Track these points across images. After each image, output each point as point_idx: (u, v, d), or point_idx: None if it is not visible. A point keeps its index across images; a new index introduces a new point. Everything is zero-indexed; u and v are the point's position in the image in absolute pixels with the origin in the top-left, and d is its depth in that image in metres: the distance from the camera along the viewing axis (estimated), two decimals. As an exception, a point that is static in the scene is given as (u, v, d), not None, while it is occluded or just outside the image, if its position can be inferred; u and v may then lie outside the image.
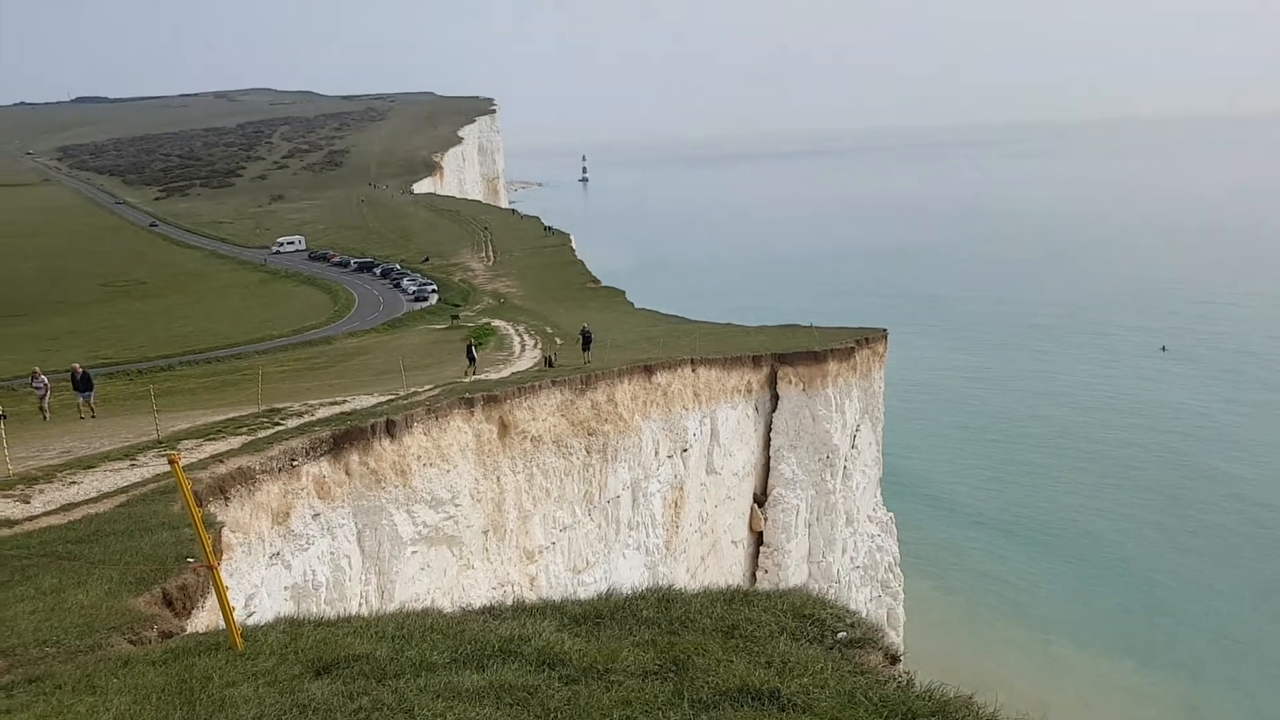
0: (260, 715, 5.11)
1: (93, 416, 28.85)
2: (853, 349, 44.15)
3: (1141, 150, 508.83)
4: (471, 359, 37.23)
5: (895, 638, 44.39)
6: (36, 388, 30.12)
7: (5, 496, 14.85)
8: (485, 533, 27.37)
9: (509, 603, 6.81)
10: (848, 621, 5.79)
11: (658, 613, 6.03)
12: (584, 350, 37.70)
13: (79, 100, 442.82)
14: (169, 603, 8.97)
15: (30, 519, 13.38)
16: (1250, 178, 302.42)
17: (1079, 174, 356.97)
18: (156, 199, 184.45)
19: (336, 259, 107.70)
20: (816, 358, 42.37)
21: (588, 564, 31.28)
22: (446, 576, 25.85)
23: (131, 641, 7.34)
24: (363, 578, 22.60)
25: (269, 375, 41.72)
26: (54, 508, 14.14)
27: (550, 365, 36.98)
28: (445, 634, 6.05)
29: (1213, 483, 66.80)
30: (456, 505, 25.68)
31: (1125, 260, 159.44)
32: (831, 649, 5.44)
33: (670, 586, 6.69)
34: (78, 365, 30.78)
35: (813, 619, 5.75)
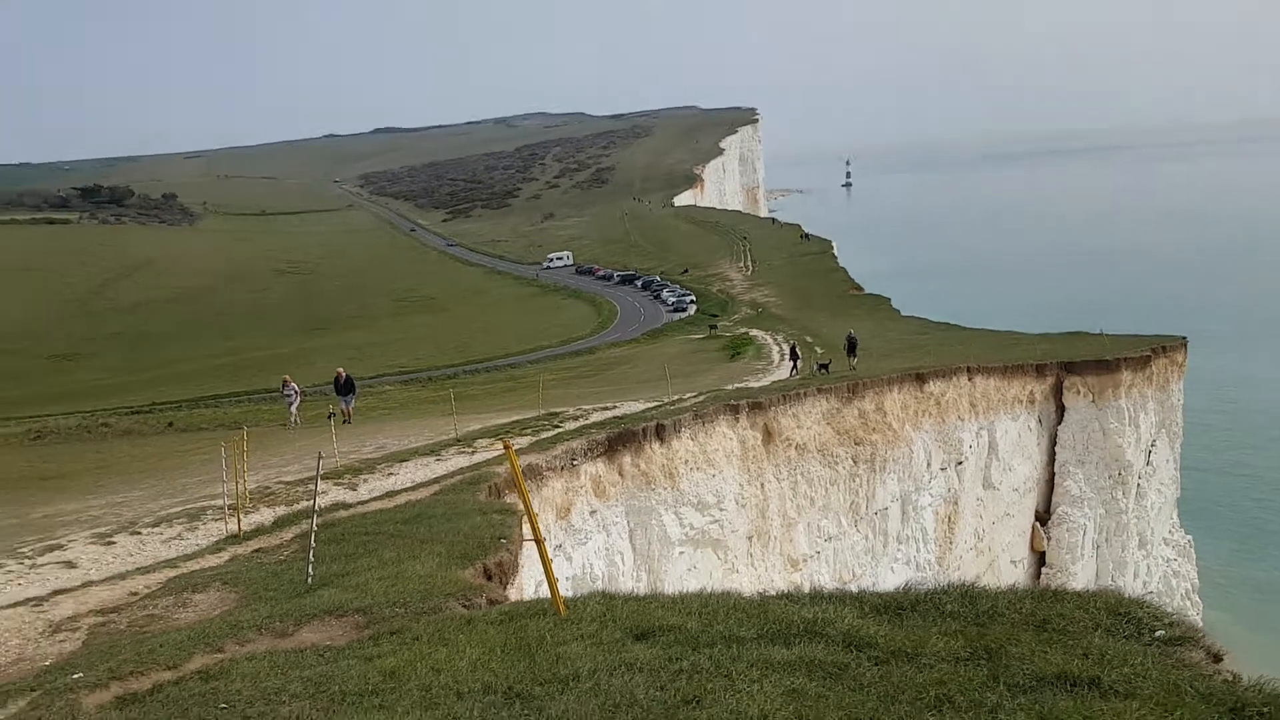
0: (594, 669, 5.65)
1: (346, 422, 27.28)
2: (1148, 358, 40.63)
3: None
4: (795, 357, 39.23)
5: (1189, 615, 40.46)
6: (287, 394, 29.44)
7: (337, 484, 16.88)
8: (750, 538, 27.72)
9: (805, 589, 7.03)
10: (1166, 620, 5.53)
11: (962, 606, 6.03)
12: (850, 356, 37.33)
13: (378, 131, 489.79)
14: (489, 576, 9.98)
15: (361, 503, 15.16)
16: None
17: None
18: (444, 220, 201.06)
19: (601, 273, 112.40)
20: (1107, 367, 39.35)
21: (854, 575, 30.83)
22: (712, 579, 26.38)
23: (465, 606, 8.26)
24: (634, 574, 23.62)
25: (543, 383, 44.46)
26: (378, 494, 15.93)
27: (826, 370, 36.96)
28: (749, 613, 6.38)
29: None
30: (722, 509, 26.20)
31: None
32: (1150, 645, 5.23)
33: (973, 583, 6.64)
34: (341, 369, 29.62)
35: (1128, 617, 5.55)
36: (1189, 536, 46.15)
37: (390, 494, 15.79)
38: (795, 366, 39.71)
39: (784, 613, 6.25)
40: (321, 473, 11.54)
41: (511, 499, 16.28)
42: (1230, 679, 4.87)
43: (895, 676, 5.04)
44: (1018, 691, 4.75)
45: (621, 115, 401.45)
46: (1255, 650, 47.22)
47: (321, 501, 11.19)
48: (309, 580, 9.57)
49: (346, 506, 14.83)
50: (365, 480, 17.41)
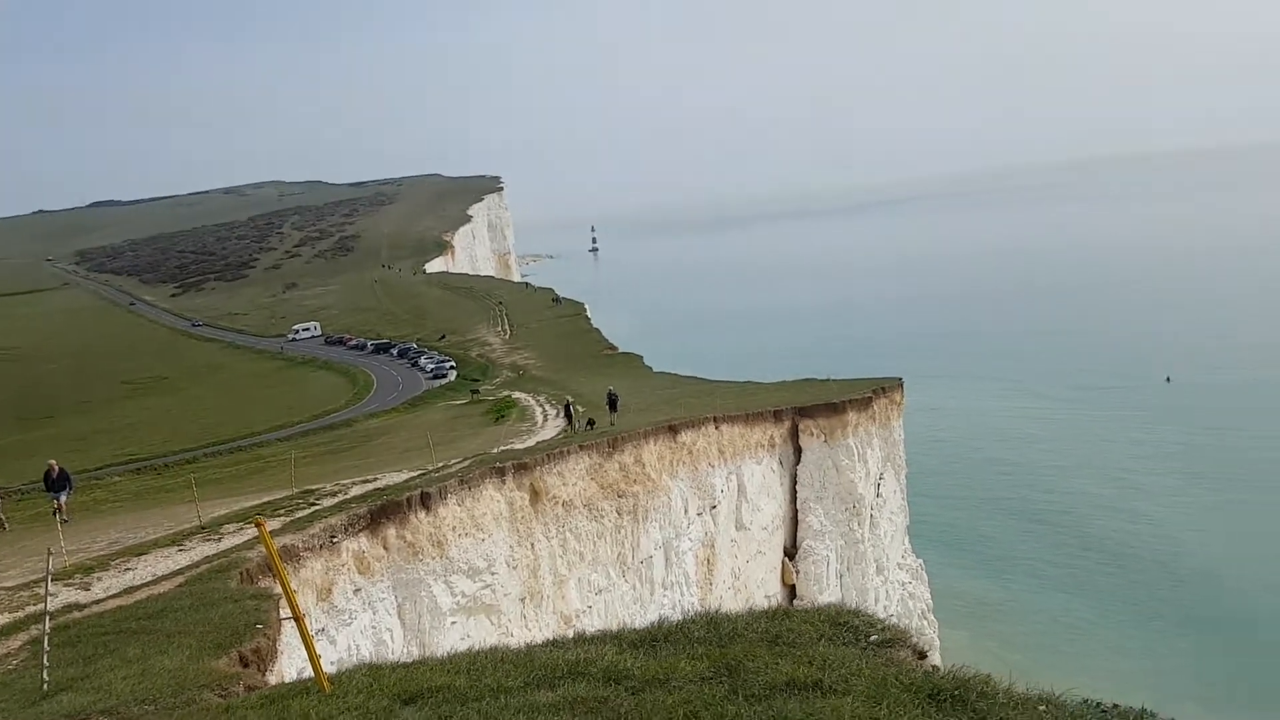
0: (362, 739, 5.71)
1: (64, 521, 24.01)
2: (870, 398, 44.64)
3: (1170, 185, 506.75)
4: (570, 416, 39.34)
5: (926, 635, 44.25)
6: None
7: (67, 585, 15.50)
8: (522, 600, 27.76)
9: (570, 635, 7.40)
10: (879, 627, 6.39)
11: (708, 631, 6.64)
12: (611, 412, 38.64)
13: (95, 205, 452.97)
14: (245, 664, 9.60)
15: (96, 602, 14.03)
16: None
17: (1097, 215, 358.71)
18: (173, 295, 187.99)
19: (353, 342, 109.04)
20: (835, 409, 42.88)
21: (624, 625, 31.48)
22: (487, 645, 26.16)
23: (221, 696, 7.95)
24: (404, 651, 23.01)
25: (296, 460, 42.52)
26: (116, 592, 14.79)
27: (592, 426, 37.99)
28: (516, 663, 6.66)
29: (1249, 517, 66.30)
30: (493, 574, 26.14)
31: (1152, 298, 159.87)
32: (866, 649, 6.03)
33: (716, 610, 7.28)
34: (53, 462, 25.92)
35: (847, 626, 6.36)
36: (920, 560, 50.59)
37: (129, 590, 14.73)
38: (570, 424, 40.46)
39: (549, 658, 6.59)
40: (51, 572, 10.66)
41: (266, 583, 15.59)
42: (930, 670, 5.71)
43: (648, 702, 5.51)
44: (754, 700, 5.36)
45: (363, 183, 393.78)
46: (983, 655, 52.44)
47: (51, 605, 10.34)
48: (44, 686, 8.84)
49: (80, 607, 13.68)
50: (99, 579, 16.10)
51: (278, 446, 55.26)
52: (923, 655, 6.15)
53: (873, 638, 6.28)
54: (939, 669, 5.62)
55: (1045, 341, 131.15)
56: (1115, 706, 5.19)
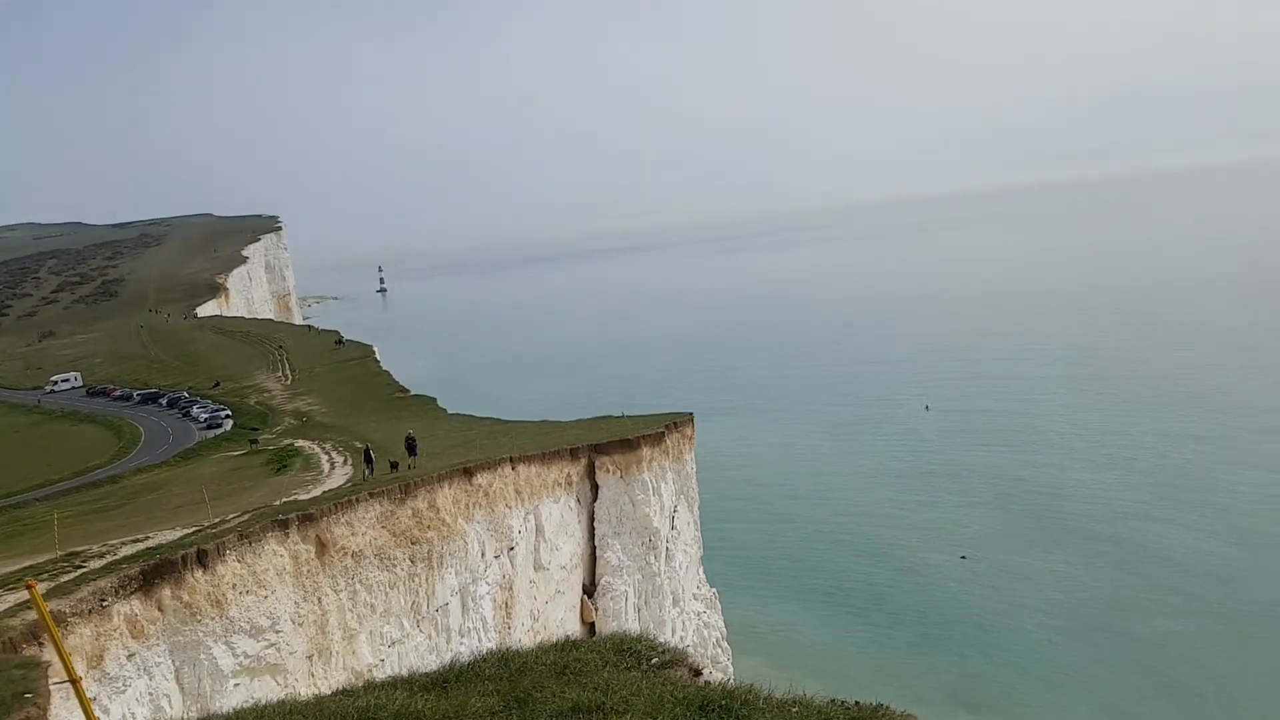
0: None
1: None
2: (663, 434, 45.99)
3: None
4: (370, 461, 37.50)
5: (720, 662, 46.02)
6: None
7: None
8: (310, 657, 26.69)
9: (360, 685, 7.41)
10: (659, 650, 6.85)
11: (499, 668, 6.86)
12: (410, 456, 37.67)
13: None
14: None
15: None
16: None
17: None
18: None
19: (117, 393, 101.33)
20: (630, 445, 43.86)
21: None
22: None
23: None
24: (184, 716, 21.63)
25: (59, 520, 39.00)
26: None
27: (395, 469, 36.73)
28: (305, 714, 6.63)
29: (1012, 532, 72.91)
30: (278, 632, 25.03)
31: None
32: (646, 671, 6.47)
33: (508, 647, 7.52)
34: None
35: (630, 651, 6.78)
36: (714, 589, 52.31)
37: None
38: (371, 469, 38.71)
39: (339, 707, 6.60)
40: None
41: (31, 651, 14.37)
42: (702, 685, 6.20)
43: (440, 740, 5.68)
44: (541, 729, 5.64)
45: (127, 224, 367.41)
46: (778, 680, 54.60)
47: None
48: None
49: None
50: None
51: (37, 507, 50.34)
52: (698, 673, 6.65)
53: (653, 660, 6.73)
54: (710, 683, 6.12)
55: (812, 377, 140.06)
56: (857, 703, 5.86)
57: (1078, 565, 65.58)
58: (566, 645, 7.08)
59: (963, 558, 68.13)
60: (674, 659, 6.58)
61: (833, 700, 5.76)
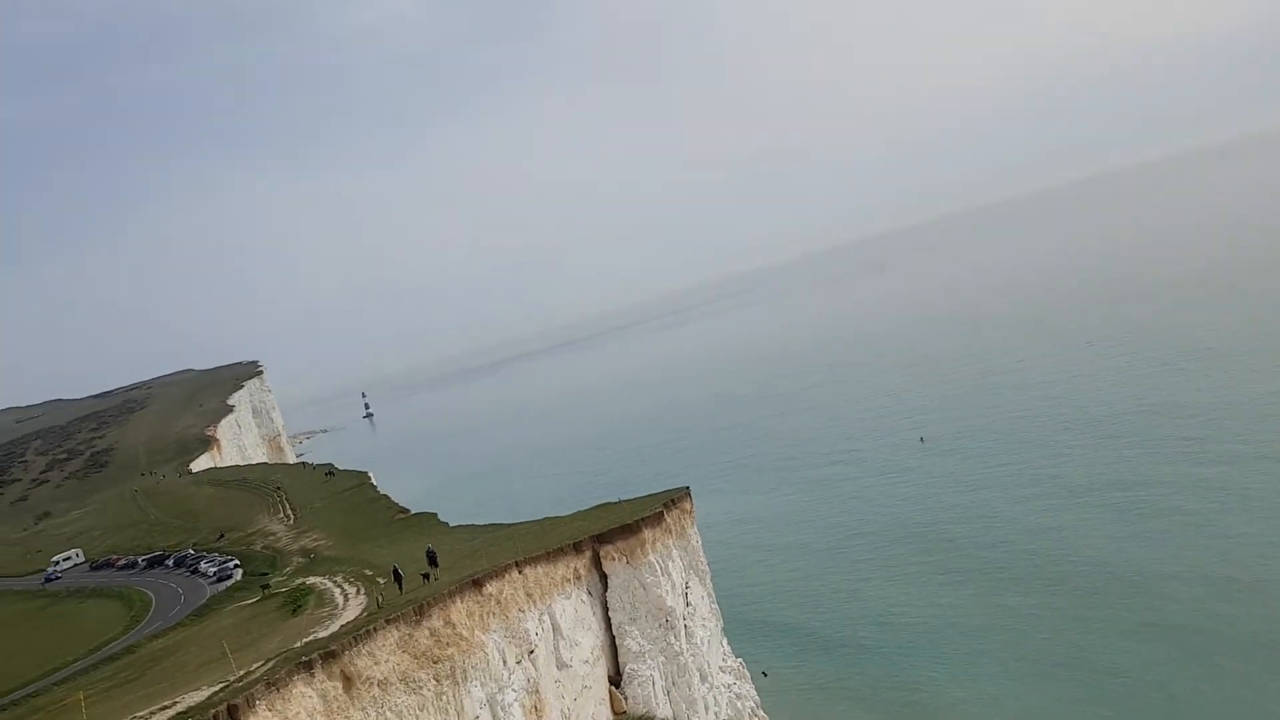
0: None
1: None
2: (661, 512, 46.70)
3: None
4: (398, 578, 38.92)
5: None
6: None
7: None
8: (351, 792, 27.03)
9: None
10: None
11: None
12: (432, 567, 39.75)
13: None
14: None
15: None
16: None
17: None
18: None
19: (122, 562, 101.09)
20: (632, 529, 44.56)
21: (461, 793, 31.04)
22: None
23: None
24: None
25: (78, 703, 39.17)
26: None
27: (426, 579, 38.51)
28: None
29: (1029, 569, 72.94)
30: (316, 772, 25.47)
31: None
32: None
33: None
34: None
35: None
36: (739, 659, 52.41)
37: None
38: (400, 588, 39.98)
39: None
40: None
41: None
42: None
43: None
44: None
45: (108, 392, 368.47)
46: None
47: None
48: None
49: None
50: None
51: (55, 692, 50.25)
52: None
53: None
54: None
55: (806, 419, 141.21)
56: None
57: (1101, 612, 61.21)
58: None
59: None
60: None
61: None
